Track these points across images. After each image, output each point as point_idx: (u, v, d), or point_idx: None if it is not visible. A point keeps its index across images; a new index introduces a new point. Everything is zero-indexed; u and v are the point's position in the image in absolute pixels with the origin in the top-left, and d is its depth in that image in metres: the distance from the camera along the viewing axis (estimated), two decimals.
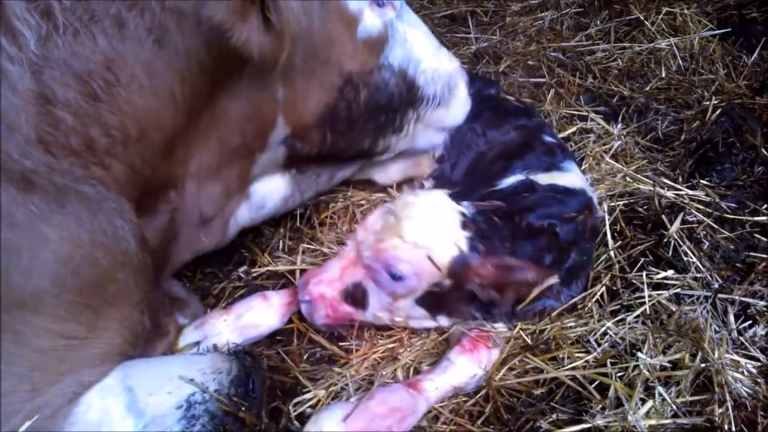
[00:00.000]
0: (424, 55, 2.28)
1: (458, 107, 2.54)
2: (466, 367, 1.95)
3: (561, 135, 3.14)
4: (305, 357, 2.15)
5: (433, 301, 2.02)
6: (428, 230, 1.94)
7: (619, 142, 3.08)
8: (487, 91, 2.73)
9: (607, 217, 2.46)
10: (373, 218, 2.06)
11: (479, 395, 1.98)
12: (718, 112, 3.20)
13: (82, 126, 1.61)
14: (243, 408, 1.73)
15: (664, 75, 3.63)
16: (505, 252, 1.98)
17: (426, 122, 2.43)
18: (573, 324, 2.12)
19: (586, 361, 1.99)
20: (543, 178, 2.27)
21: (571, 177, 2.35)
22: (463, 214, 1.98)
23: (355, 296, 2.05)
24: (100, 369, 1.64)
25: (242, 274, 2.47)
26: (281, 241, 2.61)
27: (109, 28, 1.60)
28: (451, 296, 2.00)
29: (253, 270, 2.48)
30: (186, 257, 2.17)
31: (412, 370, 2.08)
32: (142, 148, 1.73)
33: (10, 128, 1.50)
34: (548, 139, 2.57)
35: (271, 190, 2.27)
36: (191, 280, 2.48)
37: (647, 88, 3.53)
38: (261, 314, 2.16)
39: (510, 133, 2.57)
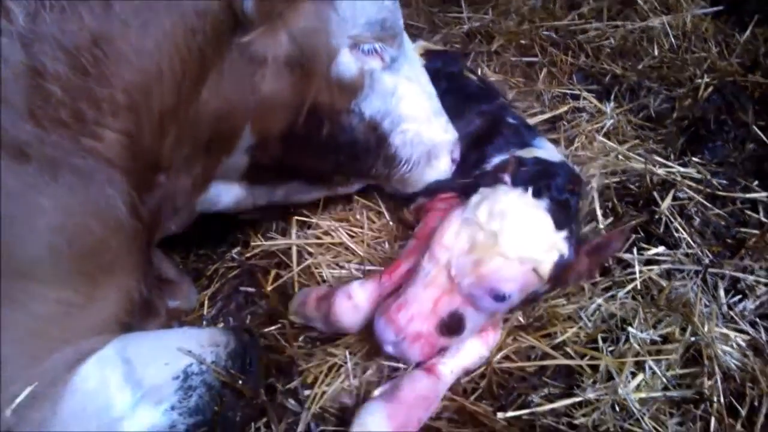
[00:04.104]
0: (411, 115, 2.18)
1: (427, 178, 2.38)
2: (475, 349, 1.95)
3: (553, 114, 3.15)
4: (300, 336, 2.16)
5: (520, 305, 1.95)
6: (529, 241, 1.78)
7: (611, 121, 3.08)
8: (449, 69, 2.71)
9: (596, 195, 2.48)
10: (452, 234, 1.83)
11: (475, 373, 1.99)
12: (710, 90, 3.21)
13: (72, 99, 1.62)
14: (240, 381, 1.75)
15: (656, 53, 3.62)
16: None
17: (389, 178, 2.34)
18: (565, 302, 2.14)
19: (578, 337, 2.01)
20: (523, 153, 2.25)
21: (545, 152, 2.34)
22: (548, 211, 1.85)
23: (451, 326, 1.82)
24: (99, 338, 1.65)
25: (236, 255, 2.48)
26: (274, 223, 2.61)
27: (96, 7, 1.61)
28: (540, 296, 1.97)
29: (246, 251, 2.48)
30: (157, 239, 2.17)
31: None
32: (135, 116, 1.73)
33: (4, 101, 1.52)
34: (511, 120, 2.56)
35: (226, 190, 2.23)
36: (185, 262, 2.49)
37: (640, 67, 3.52)
38: (347, 315, 2.01)
39: (474, 121, 2.53)
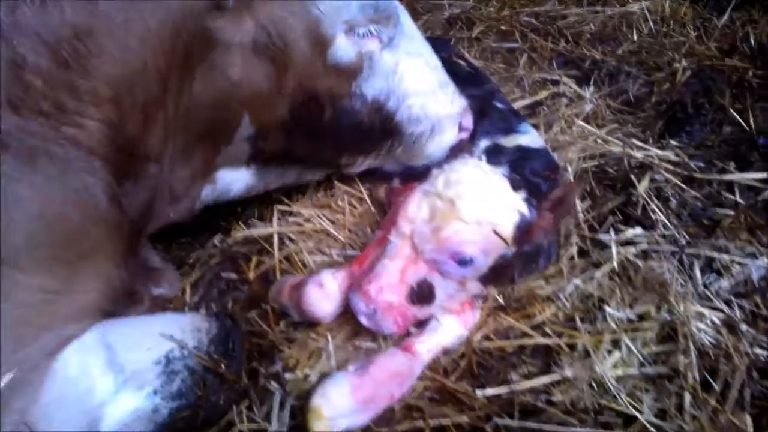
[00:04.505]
0: (415, 90, 2.19)
1: (435, 152, 2.39)
2: (454, 328, 1.98)
3: (533, 99, 3.18)
4: (282, 320, 2.16)
5: (493, 273, 1.95)
6: (486, 204, 1.85)
7: (590, 106, 3.11)
8: (439, 54, 2.72)
9: (572, 179, 2.51)
10: (414, 206, 1.91)
11: (455, 353, 2.01)
12: (688, 74, 3.27)
13: (52, 91, 1.64)
14: (223, 365, 1.77)
15: (635, 38, 3.67)
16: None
17: (398, 154, 2.37)
18: (544, 284, 2.17)
19: (556, 317, 2.04)
20: (506, 141, 2.29)
21: (530, 138, 2.38)
22: (505, 176, 1.91)
23: (422, 294, 1.89)
24: (80, 324, 1.66)
25: (217, 242, 2.48)
26: (255, 210, 2.62)
27: (78, 1, 1.64)
28: (513, 263, 1.98)
29: (228, 238, 2.49)
30: (153, 229, 2.19)
31: None
32: (118, 108, 1.75)
33: None
34: (500, 105, 2.59)
35: (237, 179, 2.26)
36: (167, 250, 2.49)
37: (619, 52, 3.57)
38: (317, 304, 2.02)
39: None
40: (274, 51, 1.89)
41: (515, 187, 1.89)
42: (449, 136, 2.37)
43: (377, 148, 2.31)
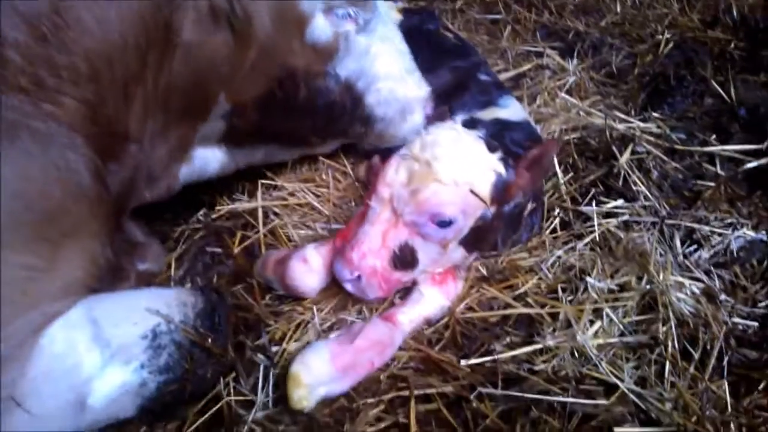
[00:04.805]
0: (384, 73, 2.23)
1: (406, 134, 2.38)
2: (436, 299, 2.01)
3: (517, 71, 3.17)
4: (268, 294, 2.17)
5: (474, 236, 1.96)
6: (463, 164, 1.86)
7: (573, 78, 3.11)
8: (426, 26, 2.72)
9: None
10: (392, 170, 1.91)
11: (439, 323, 2.04)
12: (670, 45, 3.27)
13: (31, 66, 1.61)
14: (209, 339, 1.78)
15: (618, 10, 3.67)
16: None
17: (370, 136, 2.39)
18: (526, 256, 2.20)
19: (539, 288, 2.07)
20: (483, 114, 2.30)
21: (510, 111, 2.39)
22: (481, 138, 1.93)
23: (404, 258, 1.90)
24: (64, 301, 1.65)
25: (201, 217, 2.47)
26: (240, 185, 2.61)
27: None
28: (494, 225, 1.99)
29: (212, 212, 2.48)
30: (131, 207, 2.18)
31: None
32: (97, 85, 1.73)
33: None
34: (485, 77, 2.59)
35: (212, 158, 2.26)
36: (150, 225, 2.47)
37: (602, 23, 3.57)
38: (301, 279, 2.03)
39: (444, 76, 2.56)
40: (235, 21, 1.87)
41: (491, 148, 1.91)
42: (418, 117, 2.40)
43: (349, 128, 2.33)
